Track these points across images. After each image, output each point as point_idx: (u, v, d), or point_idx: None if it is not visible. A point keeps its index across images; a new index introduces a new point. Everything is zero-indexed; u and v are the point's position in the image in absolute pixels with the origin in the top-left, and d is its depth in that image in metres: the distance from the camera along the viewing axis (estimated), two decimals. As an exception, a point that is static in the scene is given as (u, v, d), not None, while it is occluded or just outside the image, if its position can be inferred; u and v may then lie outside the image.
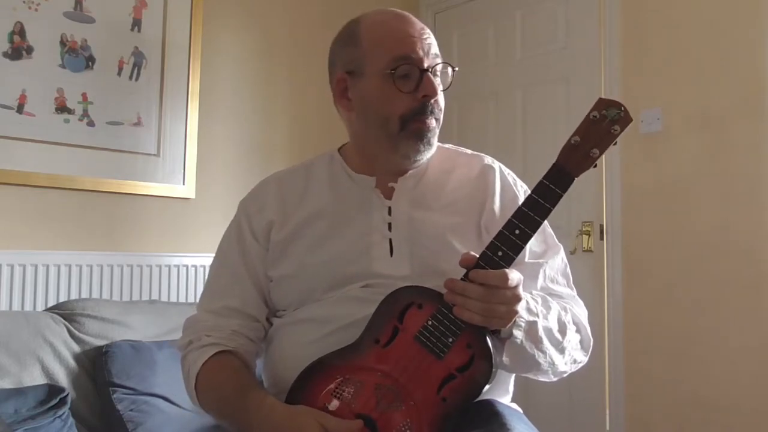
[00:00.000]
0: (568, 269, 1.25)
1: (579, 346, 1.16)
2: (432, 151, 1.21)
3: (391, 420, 1.00)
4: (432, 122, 1.18)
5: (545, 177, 1.01)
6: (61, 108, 2.42)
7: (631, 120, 1.00)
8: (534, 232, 1.01)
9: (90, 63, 2.49)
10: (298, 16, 3.12)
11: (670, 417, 2.60)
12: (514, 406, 1.22)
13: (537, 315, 1.07)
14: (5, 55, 2.30)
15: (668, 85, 2.68)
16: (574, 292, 1.24)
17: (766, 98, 2.45)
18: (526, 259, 1.19)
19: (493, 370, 1.01)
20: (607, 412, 2.79)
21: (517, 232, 1.00)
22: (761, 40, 2.47)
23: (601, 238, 2.86)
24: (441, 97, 1.20)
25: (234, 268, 1.23)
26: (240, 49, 2.96)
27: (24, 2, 2.34)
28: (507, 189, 1.25)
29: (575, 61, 3.00)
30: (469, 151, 1.33)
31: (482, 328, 1.00)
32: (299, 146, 3.05)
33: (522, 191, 1.26)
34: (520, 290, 1.01)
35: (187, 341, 1.20)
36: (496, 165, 1.28)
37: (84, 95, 2.47)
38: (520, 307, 1.03)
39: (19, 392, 1.83)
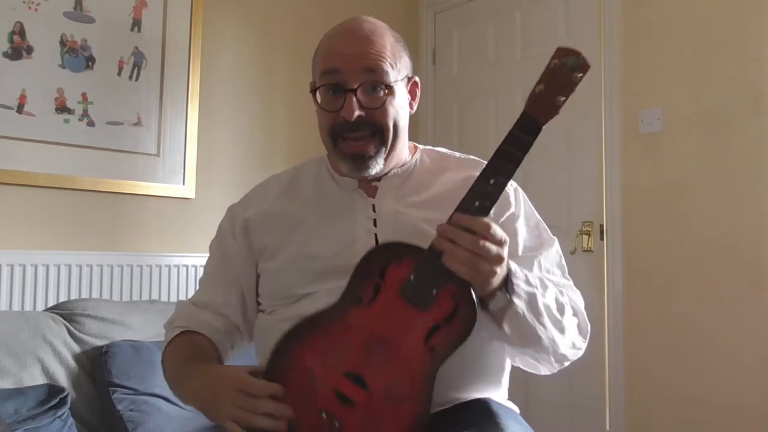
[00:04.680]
0: (563, 261, 1.27)
1: (577, 331, 1.17)
2: (377, 168, 1.19)
3: (380, 375, 1.01)
4: (363, 145, 1.16)
5: (515, 126, 1.02)
6: (61, 108, 2.42)
7: (590, 66, 1.03)
8: (508, 179, 1.02)
9: (90, 63, 2.49)
10: (298, 16, 3.12)
11: (670, 417, 2.60)
12: (510, 404, 1.23)
13: (536, 288, 1.09)
14: (5, 55, 2.30)
15: (668, 85, 2.68)
16: (570, 282, 1.26)
17: (766, 98, 2.45)
18: (520, 253, 1.21)
19: (477, 321, 1.03)
20: (607, 412, 2.79)
21: (491, 182, 1.01)
22: (761, 40, 2.47)
23: (601, 238, 2.86)
24: (382, 112, 1.16)
25: (211, 268, 1.32)
26: (240, 49, 2.96)
27: (24, 2, 2.34)
28: None
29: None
30: (458, 154, 1.34)
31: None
32: (299, 146, 3.05)
33: (512, 190, 1.26)
34: (505, 251, 1.02)
35: (168, 322, 1.31)
36: None
37: (84, 95, 2.47)
38: (518, 279, 1.05)
39: (19, 392, 1.84)
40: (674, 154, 2.65)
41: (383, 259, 1.05)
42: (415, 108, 1.27)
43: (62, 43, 2.43)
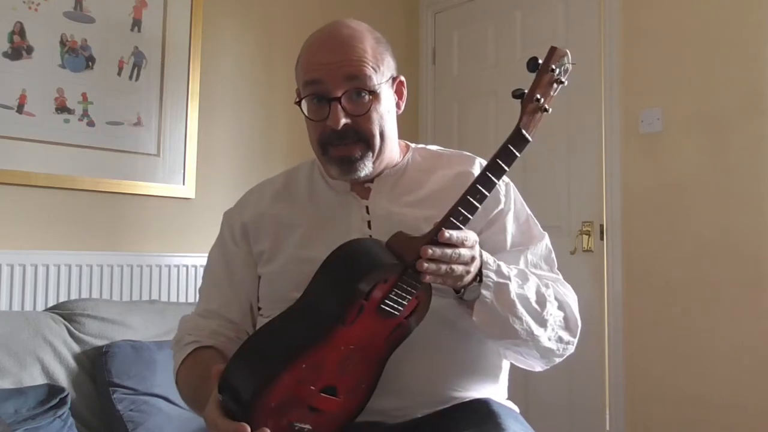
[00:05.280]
0: (553, 255, 1.26)
1: (563, 325, 1.16)
2: (365, 171, 1.19)
3: (349, 380, 1.03)
4: (349, 149, 1.16)
5: (508, 141, 1.05)
6: (61, 108, 2.42)
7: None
8: (494, 186, 1.05)
9: (90, 63, 2.49)
10: (298, 16, 3.12)
11: (670, 417, 2.60)
12: (510, 404, 1.23)
13: (508, 279, 1.09)
14: (5, 55, 2.30)
15: (668, 85, 2.68)
16: (560, 276, 1.25)
17: (766, 98, 2.45)
18: (508, 248, 1.22)
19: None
20: (607, 412, 2.79)
21: (478, 196, 1.04)
22: (761, 40, 2.47)
23: (601, 238, 2.86)
24: (367, 119, 1.16)
25: (215, 275, 1.30)
26: (240, 48, 2.96)
27: (24, 2, 2.34)
28: None
29: (575, 60, 2.99)
30: (449, 151, 1.34)
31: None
32: (299, 146, 3.04)
33: (503, 186, 1.25)
34: (477, 250, 1.05)
35: (175, 341, 1.29)
36: (476, 165, 1.28)
37: (84, 95, 2.47)
38: (489, 270, 1.07)
39: (19, 392, 1.84)
40: (674, 154, 2.65)
41: (375, 280, 1.02)
42: (402, 107, 1.27)
43: (62, 43, 2.42)
